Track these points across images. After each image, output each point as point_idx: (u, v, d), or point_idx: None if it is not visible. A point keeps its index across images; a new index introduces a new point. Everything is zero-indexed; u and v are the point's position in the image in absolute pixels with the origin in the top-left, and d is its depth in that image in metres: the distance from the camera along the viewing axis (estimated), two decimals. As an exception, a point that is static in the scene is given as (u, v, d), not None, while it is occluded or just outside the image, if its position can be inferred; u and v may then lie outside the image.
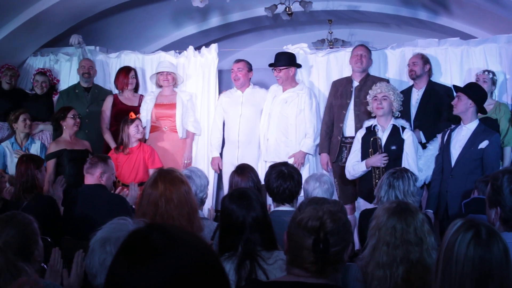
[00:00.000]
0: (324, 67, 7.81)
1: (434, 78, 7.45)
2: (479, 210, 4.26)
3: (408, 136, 6.31)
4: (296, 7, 9.54)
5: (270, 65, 7.29)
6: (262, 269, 3.27)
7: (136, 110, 7.55)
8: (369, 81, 7.04)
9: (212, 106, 7.91)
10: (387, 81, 7.06)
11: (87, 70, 7.95)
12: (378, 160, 6.24)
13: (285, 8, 9.48)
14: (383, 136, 6.36)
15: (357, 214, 6.75)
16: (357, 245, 5.24)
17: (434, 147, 6.58)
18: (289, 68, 7.19)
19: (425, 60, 7.16)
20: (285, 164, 4.83)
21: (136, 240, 1.50)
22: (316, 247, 2.41)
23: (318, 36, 12.60)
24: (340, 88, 7.23)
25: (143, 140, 7.32)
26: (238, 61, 7.56)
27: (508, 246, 2.49)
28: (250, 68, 7.52)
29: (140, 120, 7.09)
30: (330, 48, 9.78)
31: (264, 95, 7.46)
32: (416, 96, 7.10)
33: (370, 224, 3.08)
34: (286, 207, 4.52)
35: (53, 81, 8.32)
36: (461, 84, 7.24)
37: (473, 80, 7.00)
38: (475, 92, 6.19)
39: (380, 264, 2.89)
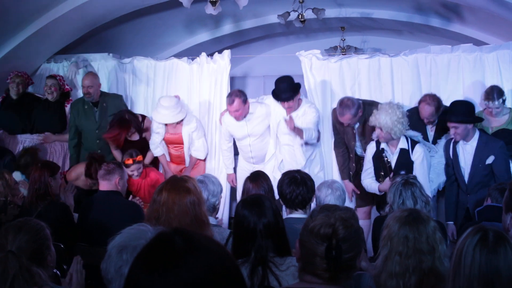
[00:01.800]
0: (337, 74, 7.79)
1: (447, 85, 7.45)
2: (493, 217, 4.25)
3: (416, 157, 6.19)
4: (309, 14, 9.56)
5: (276, 98, 7.03)
6: (274, 275, 3.27)
7: (140, 143, 7.50)
8: (365, 114, 6.80)
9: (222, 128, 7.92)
10: (376, 104, 6.68)
11: (86, 90, 7.78)
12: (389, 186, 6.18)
13: (298, 15, 9.50)
14: (392, 158, 6.29)
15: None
16: (370, 252, 5.23)
17: (439, 155, 6.50)
18: (296, 95, 6.95)
19: (437, 107, 6.70)
20: (298, 171, 4.84)
21: (158, 244, 1.51)
22: (329, 254, 2.41)
23: (331, 43, 12.61)
24: (341, 127, 7.11)
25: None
26: (231, 102, 7.08)
27: None
28: (245, 100, 7.14)
29: (137, 162, 6.79)
30: (343, 55, 9.77)
31: (266, 110, 7.28)
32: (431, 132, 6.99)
33: (382, 233, 3.07)
34: (298, 214, 4.52)
35: (64, 87, 8.25)
36: (474, 92, 7.27)
37: (482, 102, 6.89)
38: (467, 114, 6.09)
39: (393, 274, 2.88)
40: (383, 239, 3.00)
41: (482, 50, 7.62)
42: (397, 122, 6.03)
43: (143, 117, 7.81)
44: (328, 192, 4.99)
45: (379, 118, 6.09)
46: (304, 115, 7.01)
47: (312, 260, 2.47)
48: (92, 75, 8.00)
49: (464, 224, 5.64)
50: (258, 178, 5.22)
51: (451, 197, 6.33)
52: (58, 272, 3.70)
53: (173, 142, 7.62)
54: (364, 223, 6.77)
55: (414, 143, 6.28)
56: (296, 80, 7.13)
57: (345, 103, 6.71)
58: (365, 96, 7.66)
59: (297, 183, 4.55)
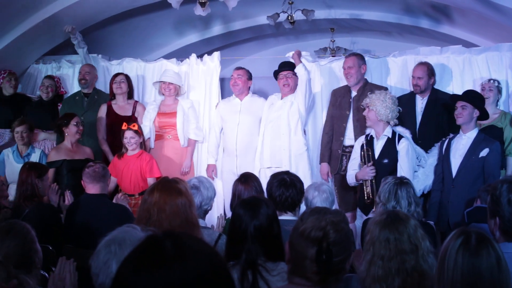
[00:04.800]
0: (327, 76, 7.79)
1: (436, 86, 7.47)
2: (482, 219, 4.24)
3: (402, 147, 6.23)
4: (298, 16, 9.56)
5: (281, 69, 7.24)
6: (264, 280, 3.26)
7: (131, 119, 7.48)
8: (367, 89, 6.96)
9: (213, 114, 7.90)
10: (386, 88, 7.02)
11: (83, 76, 7.90)
12: (366, 173, 6.23)
13: (287, 16, 9.50)
14: (376, 146, 6.34)
15: (358, 222, 6.73)
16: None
17: (433, 157, 6.51)
18: (296, 77, 7.14)
19: (430, 72, 7.05)
20: (287, 172, 4.83)
21: (148, 245, 1.50)
22: (319, 258, 2.41)
23: (320, 44, 12.61)
24: (339, 99, 7.23)
25: (147, 150, 7.33)
26: (238, 68, 7.59)
27: (501, 254, 2.51)
28: (249, 76, 7.51)
29: (133, 131, 6.90)
30: (332, 56, 9.78)
31: (263, 104, 7.43)
32: (420, 104, 7.05)
33: (365, 238, 3.07)
34: (288, 216, 4.51)
35: (60, 89, 8.25)
36: (462, 91, 7.27)
37: (478, 89, 6.97)
38: (478, 99, 6.17)
39: (376, 278, 2.87)
40: (366, 245, 3.00)
41: (471, 52, 7.64)
42: (385, 104, 6.24)
43: (135, 101, 7.87)
44: (315, 194, 4.99)
45: (371, 97, 6.35)
46: (295, 99, 7.14)
47: (302, 262, 2.47)
48: (91, 65, 8.17)
49: (452, 226, 5.65)
50: (248, 179, 5.21)
51: (435, 196, 6.31)
52: (46, 274, 3.68)
53: (167, 125, 7.57)
54: (352, 226, 6.80)
55: (401, 136, 6.32)
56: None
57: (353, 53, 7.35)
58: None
59: (287, 186, 4.55)
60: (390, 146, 6.27)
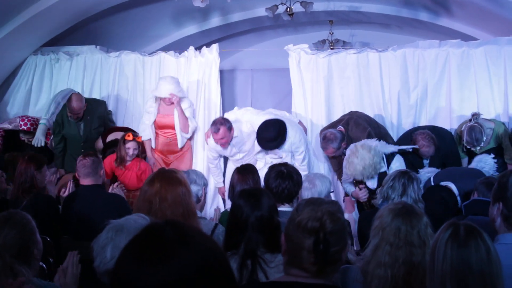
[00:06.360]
0: (325, 68, 7.78)
1: (434, 79, 7.48)
2: (479, 211, 4.26)
3: (396, 166, 6.00)
4: (297, 8, 9.55)
5: (262, 146, 6.94)
6: (263, 271, 3.26)
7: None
8: (349, 143, 6.71)
9: (213, 106, 7.90)
10: (368, 132, 6.83)
11: (76, 117, 7.62)
12: (359, 197, 6.17)
13: (286, 8, 9.48)
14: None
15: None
16: (356, 247, 5.23)
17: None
18: (282, 142, 6.85)
19: (435, 145, 6.75)
20: (284, 164, 4.84)
21: (148, 234, 1.48)
22: (317, 248, 2.41)
23: (319, 36, 12.59)
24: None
25: (143, 157, 7.41)
26: (216, 130, 6.88)
27: (491, 246, 2.50)
28: (230, 127, 6.95)
29: (137, 142, 6.98)
30: (331, 49, 9.76)
31: (248, 127, 7.12)
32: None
33: (373, 223, 3.07)
34: (285, 208, 4.51)
35: (37, 123, 7.94)
36: (461, 87, 7.32)
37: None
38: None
39: (382, 264, 2.88)
40: (374, 229, 3.01)
41: (469, 46, 7.65)
42: (368, 166, 5.81)
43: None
44: (305, 185, 5.01)
45: (351, 166, 5.88)
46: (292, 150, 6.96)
47: (299, 254, 2.47)
48: (78, 99, 7.60)
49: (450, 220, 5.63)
50: (246, 171, 5.21)
51: None
52: (44, 265, 3.67)
53: (164, 126, 7.58)
54: (350, 217, 6.80)
55: (389, 157, 6.13)
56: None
57: (327, 137, 6.79)
58: (353, 91, 7.68)
59: (284, 177, 4.54)
60: (383, 176, 5.61)
